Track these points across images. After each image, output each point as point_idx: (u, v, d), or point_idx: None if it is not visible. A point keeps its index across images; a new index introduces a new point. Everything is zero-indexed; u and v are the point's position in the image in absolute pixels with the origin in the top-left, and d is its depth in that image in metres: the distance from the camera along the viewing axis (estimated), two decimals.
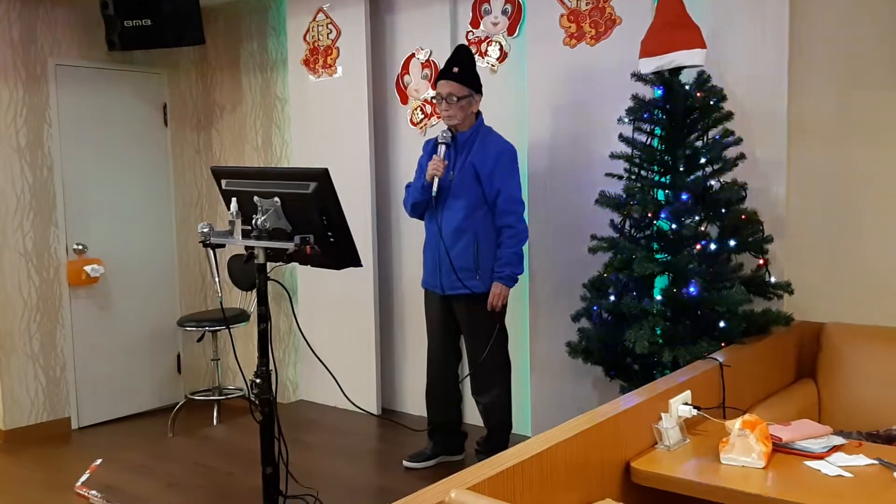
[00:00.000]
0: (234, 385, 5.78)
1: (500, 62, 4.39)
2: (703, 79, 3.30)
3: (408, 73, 4.75)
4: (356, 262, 3.06)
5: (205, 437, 4.64)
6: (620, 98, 3.82)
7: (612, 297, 3.43)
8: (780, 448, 2.33)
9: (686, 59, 3.25)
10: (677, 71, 3.32)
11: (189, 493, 3.78)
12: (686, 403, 2.54)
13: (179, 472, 4.03)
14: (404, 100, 4.79)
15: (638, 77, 3.38)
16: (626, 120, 3.42)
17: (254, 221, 3.02)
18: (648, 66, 3.34)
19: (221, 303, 3.04)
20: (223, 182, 3.28)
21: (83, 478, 3.92)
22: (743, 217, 3.27)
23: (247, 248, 3.20)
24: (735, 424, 2.26)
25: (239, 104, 5.73)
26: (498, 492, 1.81)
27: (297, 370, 5.55)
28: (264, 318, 3.14)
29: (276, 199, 3.03)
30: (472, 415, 4.30)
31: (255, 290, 5.38)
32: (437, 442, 4.08)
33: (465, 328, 3.87)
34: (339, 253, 3.03)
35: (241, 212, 3.13)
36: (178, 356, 5.82)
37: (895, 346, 3.26)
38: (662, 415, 2.44)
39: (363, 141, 4.80)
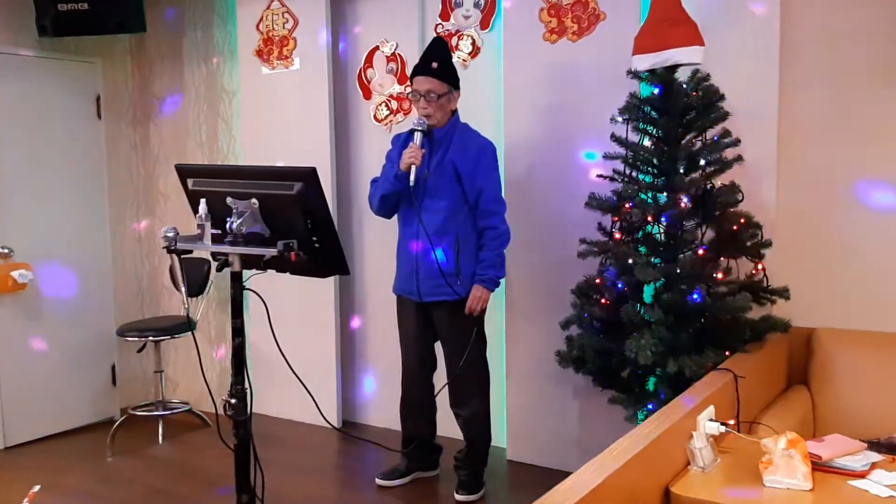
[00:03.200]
0: (177, 398, 5.42)
1: (472, 57, 4.19)
2: (701, 77, 3.19)
3: (371, 67, 4.49)
4: (343, 270, 2.82)
5: (152, 457, 4.28)
6: (604, 97, 3.70)
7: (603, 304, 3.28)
8: (818, 467, 2.21)
9: (683, 56, 3.12)
10: (672, 69, 3.19)
11: None
12: (711, 420, 2.40)
13: (130, 498, 3.68)
14: (367, 94, 4.53)
15: (634, 75, 3.23)
16: (620, 119, 3.27)
17: (228, 225, 2.74)
18: (643, 63, 3.20)
19: (188, 313, 2.75)
20: (189, 181, 2.96)
21: None
22: (742, 221, 3.16)
23: (215, 254, 2.92)
24: (779, 444, 2.12)
25: (180, 97, 5.35)
26: None
27: (205, 380, 5.24)
28: (239, 331, 2.86)
29: (254, 200, 2.75)
30: (445, 428, 4.07)
31: (199, 297, 5.05)
32: (412, 458, 3.85)
33: (444, 336, 3.66)
34: (324, 259, 2.78)
35: (210, 214, 2.84)
36: (114, 367, 5.40)
37: (889, 352, 3.21)
38: (693, 434, 2.30)
39: (323, 138, 4.53)
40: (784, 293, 3.25)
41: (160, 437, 4.71)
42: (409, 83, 4.35)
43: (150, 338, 4.72)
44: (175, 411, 4.89)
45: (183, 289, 2.96)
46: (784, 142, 3.48)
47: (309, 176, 2.64)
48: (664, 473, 2.16)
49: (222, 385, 5.33)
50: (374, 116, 4.51)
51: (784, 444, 2.11)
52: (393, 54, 4.40)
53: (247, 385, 2.84)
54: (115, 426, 4.79)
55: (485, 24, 4.13)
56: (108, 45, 5.32)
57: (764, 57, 3.44)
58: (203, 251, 2.88)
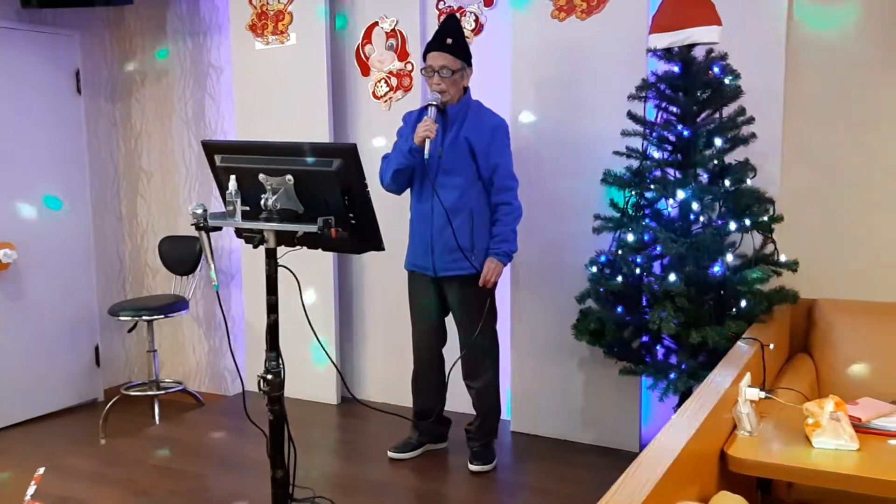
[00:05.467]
0: (164, 378, 5.35)
1: (475, 34, 4.21)
2: (719, 55, 3.27)
3: (370, 43, 4.47)
4: (378, 245, 2.83)
5: (152, 437, 4.22)
6: (614, 75, 3.76)
7: (620, 278, 3.37)
8: (858, 428, 2.34)
9: (702, 35, 3.19)
10: (690, 47, 3.27)
11: (163, 501, 3.42)
12: (750, 386, 2.51)
13: (141, 478, 3.64)
14: (365, 71, 4.51)
15: (653, 53, 3.30)
16: (638, 96, 3.34)
17: (263, 202, 2.73)
18: (661, 41, 3.27)
19: (218, 292, 2.72)
20: (217, 158, 2.93)
21: (30, 491, 3.46)
22: (756, 196, 3.27)
23: (240, 230, 2.91)
24: (827, 407, 2.23)
25: (164, 72, 5.24)
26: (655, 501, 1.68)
27: (234, 359, 5.19)
28: (274, 308, 2.85)
29: (289, 176, 2.74)
30: (449, 401, 4.12)
31: (190, 276, 4.99)
32: (423, 431, 3.90)
33: (459, 310, 3.70)
34: (360, 235, 2.79)
35: (239, 191, 2.83)
36: (97, 348, 5.30)
37: (886, 321, 3.38)
38: (738, 400, 2.40)
39: (321, 115, 4.49)
40: (793, 266, 3.38)
41: (156, 418, 4.65)
42: (408, 61, 4.36)
43: (144, 317, 4.64)
44: (170, 391, 4.83)
45: (212, 265, 2.92)
46: (789, 120, 3.60)
47: (349, 152, 2.63)
48: (718, 438, 2.25)
49: (210, 366, 5.28)
50: (373, 93, 4.49)
51: (832, 407, 2.23)
52: (392, 30, 4.39)
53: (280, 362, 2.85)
54: (107, 407, 4.71)
55: (488, 0, 4.14)
56: (87, 17, 5.17)
57: (770, 35, 3.54)
58: (231, 227, 2.86)
